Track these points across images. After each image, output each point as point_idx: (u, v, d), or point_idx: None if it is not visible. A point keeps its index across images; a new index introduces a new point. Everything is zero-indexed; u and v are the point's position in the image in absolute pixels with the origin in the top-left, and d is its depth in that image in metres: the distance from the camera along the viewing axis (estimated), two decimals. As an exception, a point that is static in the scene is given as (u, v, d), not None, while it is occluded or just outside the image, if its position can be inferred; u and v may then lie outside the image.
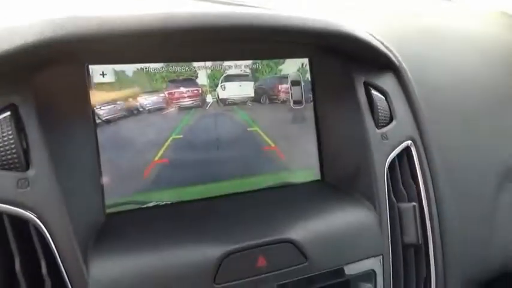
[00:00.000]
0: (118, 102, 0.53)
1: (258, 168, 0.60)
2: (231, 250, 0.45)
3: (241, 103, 0.59)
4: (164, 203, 0.54)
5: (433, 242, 0.57)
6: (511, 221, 0.72)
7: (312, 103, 0.64)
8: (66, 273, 0.41)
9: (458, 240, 0.61)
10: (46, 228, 0.41)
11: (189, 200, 0.55)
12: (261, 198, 0.57)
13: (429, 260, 0.57)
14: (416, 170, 0.60)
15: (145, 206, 0.53)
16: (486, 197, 0.70)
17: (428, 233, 0.58)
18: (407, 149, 0.61)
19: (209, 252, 0.44)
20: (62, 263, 0.41)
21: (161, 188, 0.54)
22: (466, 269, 0.64)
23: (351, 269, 0.50)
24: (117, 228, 0.48)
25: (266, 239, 0.47)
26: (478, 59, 0.83)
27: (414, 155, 0.61)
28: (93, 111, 0.51)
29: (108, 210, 0.51)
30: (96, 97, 0.51)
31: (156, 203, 0.54)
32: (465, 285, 0.64)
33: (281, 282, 0.46)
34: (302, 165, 0.63)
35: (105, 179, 0.51)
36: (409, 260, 0.56)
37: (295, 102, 0.63)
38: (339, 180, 0.61)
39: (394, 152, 0.59)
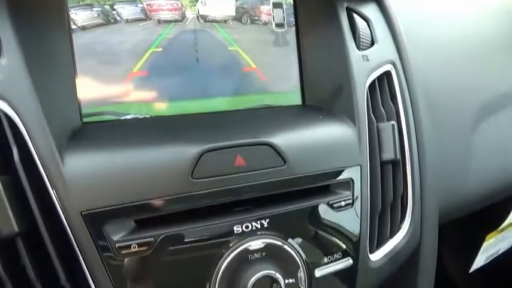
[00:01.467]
0: (94, 9, 0.51)
1: (239, 88, 0.60)
2: (209, 148, 0.44)
3: (222, 21, 0.59)
4: (143, 116, 0.54)
5: (410, 159, 0.58)
6: (487, 153, 0.74)
7: (294, 27, 0.63)
8: (41, 164, 0.40)
9: (436, 163, 0.62)
10: (19, 118, 0.40)
11: (169, 115, 0.55)
12: (241, 115, 0.57)
13: (406, 177, 0.58)
14: (396, 92, 0.61)
15: (123, 118, 0.53)
16: (464, 128, 0.72)
17: (406, 151, 0.58)
18: (387, 74, 0.62)
19: (187, 150, 0.44)
20: (36, 154, 0.40)
21: (140, 101, 0.54)
22: (442, 194, 0.65)
23: (329, 176, 0.51)
24: (93, 132, 0.48)
25: (245, 140, 0.47)
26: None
27: (394, 78, 0.61)
28: (68, 16, 0.49)
29: (85, 119, 0.50)
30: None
31: (134, 116, 0.53)
32: (442, 213, 0.65)
33: (260, 182, 0.46)
34: (284, 88, 0.63)
35: (81, 86, 0.50)
36: (386, 176, 0.57)
37: (277, 25, 0.62)
38: (320, 103, 0.62)
39: (374, 73, 0.59)
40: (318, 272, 0.48)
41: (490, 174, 0.75)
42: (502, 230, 0.98)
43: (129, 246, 0.41)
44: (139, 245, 0.41)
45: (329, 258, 0.49)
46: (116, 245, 0.40)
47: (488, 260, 1.06)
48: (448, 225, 0.91)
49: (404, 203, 0.58)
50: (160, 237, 0.42)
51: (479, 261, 1.02)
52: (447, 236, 1.49)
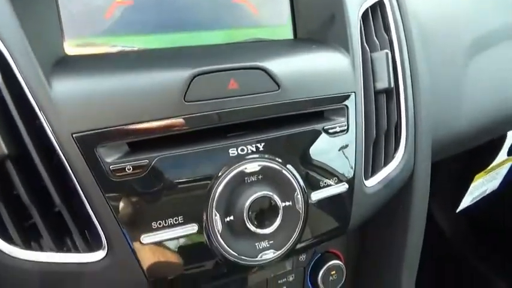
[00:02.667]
0: None
1: (228, 21, 0.57)
2: (202, 71, 0.43)
3: (209, -51, 0.56)
4: (130, 48, 0.52)
5: (404, 88, 0.58)
6: (480, 87, 0.74)
7: (283, -44, 0.61)
8: (27, 87, 0.38)
9: (429, 94, 0.62)
10: (2, 43, 0.38)
11: (157, 48, 0.53)
12: (232, 47, 0.55)
13: (400, 106, 0.58)
14: (389, 22, 0.59)
15: (108, 51, 0.50)
16: (457, 62, 0.71)
17: (399, 80, 0.58)
18: (380, 3, 0.60)
19: (179, 72, 0.43)
20: (22, 78, 0.38)
21: (125, 33, 0.51)
22: (434, 129, 0.65)
23: (324, 102, 0.50)
24: (80, 60, 0.46)
25: (238, 64, 0.45)
26: None
27: (387, 8, 0.60)
28: None
29: (68, 52, 0.48)
30: None
31: (121, 48, 0.51)
32: (434, 148, 0.66)
33: (254, 106, 0.45)
34: (275, 22, 0.61)
35: (64, 16, 0.48)
36: (380, 105, 0.56)
37: (266, -45, 0.60)
38: (313, 35, 0.60)
39: (367, 2, 0.58)
40: (314, 196, 0.49)
41: (483, 108, 0.75)
42: (490, 170, 1.00)
43: (123, 169, 0.40)
44: (134, 167, 0.40)
45: (325, 183, 0.50)
46: (110, 167, 0.39)
47: (475, 201, 1.09)
48: (436, 165, 0.92)
49: (398, 132, 0.58)
50: (155, 160, 0.41)
51: (466, 201, 1.05)
52: (434, 177, 1.54)
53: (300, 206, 0.47)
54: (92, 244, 0.41)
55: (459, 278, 1.71)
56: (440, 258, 1.74)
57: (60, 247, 0.40)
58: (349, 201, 0.52)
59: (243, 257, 0.44)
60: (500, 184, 1.17)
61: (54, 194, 0.39)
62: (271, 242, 0.46)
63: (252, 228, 0.43)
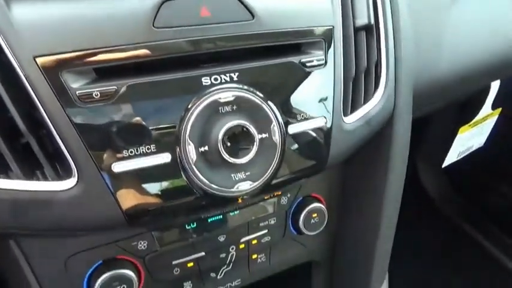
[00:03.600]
0: None
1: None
2: None
3: None
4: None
5: (384, 25, 0.57)
6: (461, 33, 0.73)
7: None
8: None
9: (410, 34, 0.61)
10: None
11: None
12: None
13: (380, 44, 0.57)
14: (369, -43, 0.58)
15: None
16: (440, 5, 0.70)
17: (380, 16, 0.56)
18: None
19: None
20: None
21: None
22: (416, 71, 0.65)
23: (300, 34, 0.49)
24: None
25: None
26: None
27: None
28: None
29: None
30: None
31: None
32: (417, 94, 0.65)
33: (227, 35, 0.44)
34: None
35: None
36: (360, 42, 0.55)
37: None
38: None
39: None
40: (291, 129, 0.48)
41: (465, 55, 0.74)
42: (475, 124, 1.01)
43: (90, 95, 0.39)
44: (101, 94, 0.39)
45: (302, 116, 0.49)
46: (77, 93, 0.38)
47: (461, 156, 1.10)
48: (421, 122, 0.92)
49: (378, 71, 0.57)
50: (124, 87, 0.40)
51: (452, 156, 1.06)
52: (419, 135, 1.54)
53: (277, 138, 0.46)
54: (62, 173, 0.40)
55: (445, 237, 1.75)
56: (425, 218, 1.77)
57: (30, 177, 0.39)
58: (328, 137, 0.51)
59: (219, 188, 0.44)
60: (486, 144, 1.18)
61: (19, 122, 0.38)
62: (248, 173, 0.45)
63: (227, 157, 0.43)
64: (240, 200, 0.48)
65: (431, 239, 1.73)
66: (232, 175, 0.45)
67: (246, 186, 0.45)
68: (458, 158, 1.09)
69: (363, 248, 0.68)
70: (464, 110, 1.13)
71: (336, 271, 0.72)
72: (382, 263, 0.69)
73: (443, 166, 1.06)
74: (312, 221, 0.63)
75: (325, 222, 0.64)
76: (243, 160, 0.44)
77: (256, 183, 0.46)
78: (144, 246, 0.53)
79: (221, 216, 0.58)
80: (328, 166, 0.53)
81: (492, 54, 0.80)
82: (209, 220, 0.57)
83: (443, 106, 1.01)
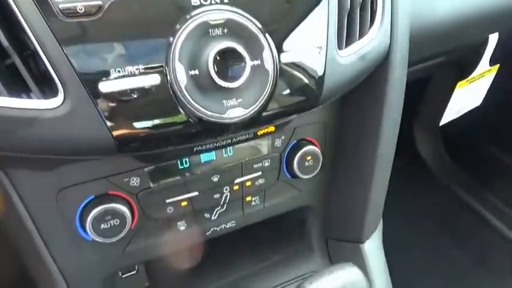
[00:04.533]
0: None
1: None
2: None
3: None
4: None
5: (381, -43, 0.55)
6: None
7: None
8: None
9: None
10: None
11: None
12: None
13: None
14: None
15: None
16: None
17: None
18: None
19: None
20: None
21: None
22: (412, 12, 0.63)
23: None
24: None
25: None
26: None
27: None
28: None
29: None
30: None
31: None
32: (413, 38, 0.64)
33: None
34: None
35: None
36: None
37: None
38: None
39: None
40: (284, 58, 0.47)
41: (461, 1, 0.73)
42: (473, 79, 0.99)
43: (74, 9, 0.37)
44: (86, 8, 0.38)
45: (296, 46, 0.48)
46: (60, 6, 0.37)
47: (458, 115, 1.09)
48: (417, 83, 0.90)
49: (374, 6, 0.56)
50: (109, 2, 0.38)
51: (449, 114, 1.05)
52: (415, 95, 1.54)
53: (269, 66, 0.45)
54: (48, 92, 0.39)
55: (441, 204, 1.76)
56: (422, 185, 1.79)
57: (16, 97, 0.38)
58: (322, 69, 0.50)
59: (210, 113, 0.43)
60: (482, 105, 1.17)
61: (2, 39, 0.37)
62: (239, 100, 0.44)
63: (218, 80, 0.41)
64: (232, 131, 0.47)
65: (429, 206, 1.75)
66: (224, 101, 0.44)
67: (237, 113, 0.44)
68: (456, 116, 1.08)
69: (358, 193, 0.68)
70: (462, 67, 1.12)
71: (331, 216, 0.73)
72: (376, 208, 0.69)
73: (440, 124, 1.06)
74: (306, 163, 0.62)
75: (320, 165, 0.63)
76: (234, 84, 0.42)
77: (248, 110, 0.45)
78: (137, 183, 0.53)
79: (214, 157, 0.57)
80: (322, 101, 0.52)
81: (490, 2, 0.78)
82: (202, 160, 0.57)
83: (441, 61, 1.00)
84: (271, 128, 0.55)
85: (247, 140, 0.54)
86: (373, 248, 0.69)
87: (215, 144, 0.51)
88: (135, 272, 0.67)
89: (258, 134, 0.54)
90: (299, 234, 0.75)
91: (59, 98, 0.39)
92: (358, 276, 0.42)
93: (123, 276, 0.66)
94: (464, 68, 1.12)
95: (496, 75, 1.10)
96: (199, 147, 0.51)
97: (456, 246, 1.69)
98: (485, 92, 1.11)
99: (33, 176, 0.48)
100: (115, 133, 0.41)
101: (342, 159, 0.68)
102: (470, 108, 1.11)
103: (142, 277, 0.68)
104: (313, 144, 0.64)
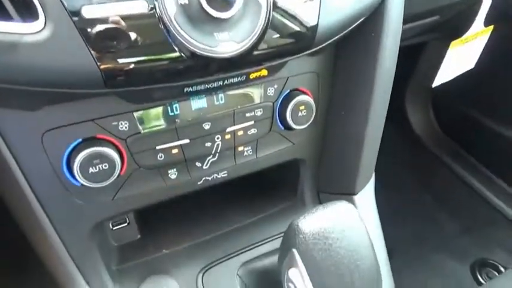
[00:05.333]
0: None
1: None
2: None
3: None
4: None
5: None
6: None
7: None
8: None
9: None
10: None
11: None
12: None
13: None
14: None
15: None
16: None
17: None
18: None
19: None
20: None
21: None
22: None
23: None
24: None
25: None
26: None
27: None
28: None
29: None
30: None
31: None
32: None
33: None
34: None
35: None
36: None
37: None
38: None
39: None
40: (278, -8, 0.45)
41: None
42: (467, 40, 0.99)
43: None
44: None
45: None
46: None
47: (451, 77, 1.09)
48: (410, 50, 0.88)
49: None
50: None
51: (442, 76, 1.04)
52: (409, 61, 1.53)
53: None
54: (27, 15, 0.37)
55: (434, 176, 1.78)
56: (412, 155, 1.80)
57: None
58: (317, 8, 0.48)
59: (200, 45, 0.41)
60: (472, 74, 1.17)
61: None
62: (231, 34, 0.43)
63: (208, 9, 0.40)
64: (223, 69, 0.46)
65: (419, 175, 1.77)
66: (215, 34, 0.42)
67: (229, 47, 0.43)
68: (449, 78, 1.08)
69: (351, 144, 0.67)
70: (455, 31, 1.11)
71: (323, 170, 0.72)
72: (369, 160, 0.68)
73: (433, 86, 1.06)
74: (300, 114, 0.61)
75: (313, 115, 0.62)
76: (226, 14, 0.41)
77: (240, 45, 0.43)
78: (126, 128, 0.51)
79: (206, 104, 0.56)
80: (316, 43, 0.51)
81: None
82: (193, 108, 0.55)
83: (435, 22, 0.98)
84: (264, 72, 0.53)
85: (239, 83, 0.52)
86: (365, 199, 0.69)
87: (206, 85, 0.50)
88: (126, 224, 0.67)
89: (251, 77, 0.53)
90: (291, 188, 0.75)
91: (40, 22, 0.37)
92: (353, 210, 0.42)
93: (114, 228, 0.66)
94: (457, 31, 1.11)
95: (489, 40, 1.09)
96: (190, 88, 0.49)
97: (444, 215, 1.72)
98: (479, 54, 1.10)
99: (17, 117, 0.46)
100: (102, 66, 0.40)
101: (335, 111, 0.67)
102: (463, 71, 1.11)
103: (133, 229, 0.67)
104: (306, 94, 0.62)
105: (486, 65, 1.18)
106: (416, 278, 1.44)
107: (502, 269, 1.43)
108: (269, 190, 0.76)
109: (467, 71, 1.16)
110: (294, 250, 0.41)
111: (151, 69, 0.42)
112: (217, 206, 0.74)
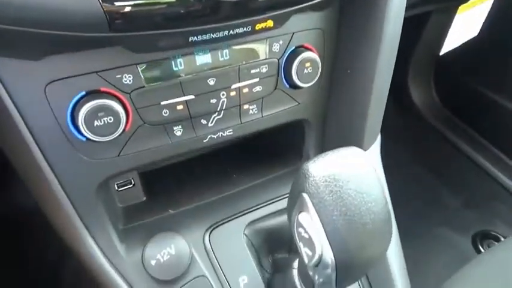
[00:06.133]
0: None
1: None
2: None
3: None
4: None
5: None
6: None
7: None
8: None
9: None
10: None
11: None
12: None
13: None
14: None
15: None
16: None
17: None
18: None
19: None
20: None
21: None
22: None
23: None
24: None
25: None
26: None
27: None
28: None
29: None
30: None
31: None
32: None
33: None
34: None
35: None
36: None
37: None
38: None
39: None
40: None
41: None
42: (474, 4, 0.97)
43: None
44: None
45: None
46: None
47: (458, 44, 1.07)
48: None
49: None
50: None
51: (449, 43, 1.03)
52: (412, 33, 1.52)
53: None
54: None
55: (435, 151, 1.78)
56: (415, 133, 1.80)
57: None
58: None
59: None
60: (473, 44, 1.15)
61: None
62: None
63: None
64: (228, 13, 0.45)
65: (418, 148, 1.77)
66: None
67: None
68: (455, 45, 1.06)
69: (357, 103, 0.66)
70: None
71: (329, 131, 0.72)
72: (375, 118, 0.68)
73: (441, 54, 1.04)
74: (305, 71, 0.60)
75: (318, 73, 0.61)
76: None
77: None
78: (130, 81, 0.51)
79: (210, 59, 0.55)
80: None
81: None
82: (198, 63, 0.54)
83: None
84: (270, 23, 0.52)
85: (244, 34, 0.51)
86: (372, 158, 0.68)
87: (211, 35, 0.49)
88: (131, 186, 0.66)
89: (256, 28, 0.51)
90: (297, 152, 0.75)
91: None
92: (363, 154, 0.41)
93: (119, 189, 0.65)
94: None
95: (491, 8, 1.07)
96: (195, 38, 0.48)
97: (446, 189, 1.72)
98: (482, 21, 1.09)
99: (20, 66, 0.45)
100: (106, 7, 0.39)
101: (340, 69, 0.66)
102: (468, 38, 1.10)
103: (138, 191, 0.67)
104: (311, 51, 0.61)
105: (488, 34, 1.16)
106: (420, 250, 1.45)
107: (503, 240, 1.44)
108: (275, 154, 0.76)
109: (469, 42, 1.15)
110: (304, 194, 0.41)
111: (157, 12, 0.41)
112: (223, 170, 0.73)
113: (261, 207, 0.66)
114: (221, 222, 0.63)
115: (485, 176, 1.66)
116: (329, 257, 0.40)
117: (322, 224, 0.39)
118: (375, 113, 0.67)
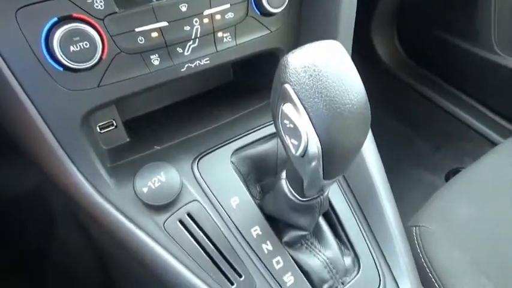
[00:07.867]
0: None
1: None
2: None
3: None
4: None
5: None
6: None
7: None
8: None
9: None
10: None
11: None
12: None
13: None
14: None
15: None
16: None
17: None
18: None
19: None
20: None
21: None
22: None
23: None
24: None
25: None
26: None
27: None
28: None
29: None
30: None
31: None
32: None
33: None
34: None
35: None
36: None
37: None
38: None
39: None
40: None
41: None
42: None
43: None
44: None
45: None
46: None
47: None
48: None
49: None
50: None
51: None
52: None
53: None
54: None
55: (405, 102, 1.85)
56: (385, 87, 1.85)
57: None
58: None
59: None
60: None
61: None
62: None
63: None
64: None
65: (384, 98, 1.83)
66: None
67: None
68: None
69: (326, 32, 0.68)
70: None
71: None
72: (347, 40, 0.70)
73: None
74: (277, -6, 0.62)
75: None
76: None
77: None
78: (101, 6, 0.50)
79: None
80: None
81: None
82: None
83: None
84: None
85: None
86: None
87: None
88: (113, 127, 0.66)
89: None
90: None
91: None
92: (339, 45, 0.43)
93: (102, 131, 0.65)
94: None
95: None
96: None
97: (417, 136, 1.80)
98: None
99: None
100: None
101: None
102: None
103: (121, 133, 0.67)
104: None
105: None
106: (397, 191, 1.51)
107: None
108: (253, 90, 0.77)
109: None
110: (286, 85, 0.42)
111: None
112: (204, 109, 0.74)
113: (244, 135, 0.68)
114: (208, 151, 0.65)
115: (452, 119, 1.74)
116: (314, 142, 0.43)
117: (305, 108, 0.41)
118: (344, 40, 0.69)
